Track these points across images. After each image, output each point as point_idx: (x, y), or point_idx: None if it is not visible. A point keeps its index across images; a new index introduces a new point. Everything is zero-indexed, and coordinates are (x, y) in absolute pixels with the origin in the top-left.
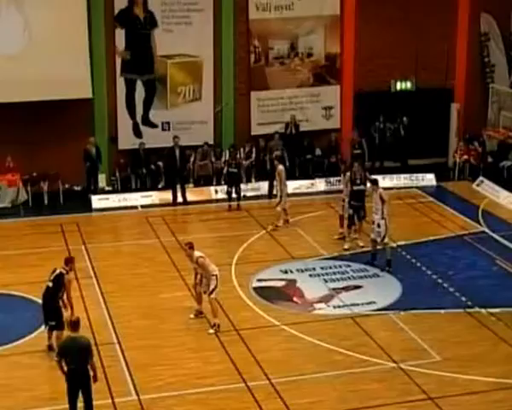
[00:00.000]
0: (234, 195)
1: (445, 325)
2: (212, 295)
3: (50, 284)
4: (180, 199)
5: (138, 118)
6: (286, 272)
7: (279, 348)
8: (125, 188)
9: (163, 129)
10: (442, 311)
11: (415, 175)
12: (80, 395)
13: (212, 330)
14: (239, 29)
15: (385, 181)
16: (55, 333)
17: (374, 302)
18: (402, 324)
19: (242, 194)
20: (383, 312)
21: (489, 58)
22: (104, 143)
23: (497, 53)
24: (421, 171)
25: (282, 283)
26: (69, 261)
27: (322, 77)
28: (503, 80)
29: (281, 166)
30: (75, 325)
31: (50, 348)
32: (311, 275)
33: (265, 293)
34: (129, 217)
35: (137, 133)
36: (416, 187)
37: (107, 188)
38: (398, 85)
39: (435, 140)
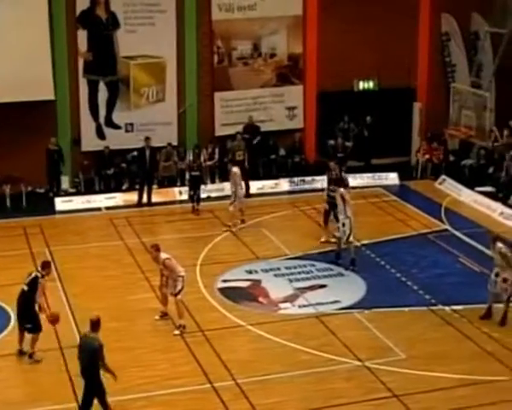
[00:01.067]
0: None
1: (409, 323)
2: (179, 297)
3: (26, 288)
4: (145, 200)
5: (101, 119)
6: (251, 272)
7: (245, 349)
8: (89, 190)
9: (126, 130)
10: (406, 309)
11: (378, 174)
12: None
13: (177, 332)
14: (202, 30)
15: (349, 180)
16: (30, 336)
17: (339, 301)
18: (367, 322)
19: (207, 195)
20: (348, 311)
21: (450, 58)
22: (67, 145)
23: (457, 53)
24: (385, 170)
25: (247, 283)
26: (46, 266)
27: (286, 77)
28: (464, 80)
29: (234, 169)
30: (94, 324)
31: (21, 352)
32: (275, 275)
33: (230, 293)
34: (93, 219)
35: (101, 135)
36: (380, 186)
37: (70, 190)
38: (361, 85)
39: (398, 139)
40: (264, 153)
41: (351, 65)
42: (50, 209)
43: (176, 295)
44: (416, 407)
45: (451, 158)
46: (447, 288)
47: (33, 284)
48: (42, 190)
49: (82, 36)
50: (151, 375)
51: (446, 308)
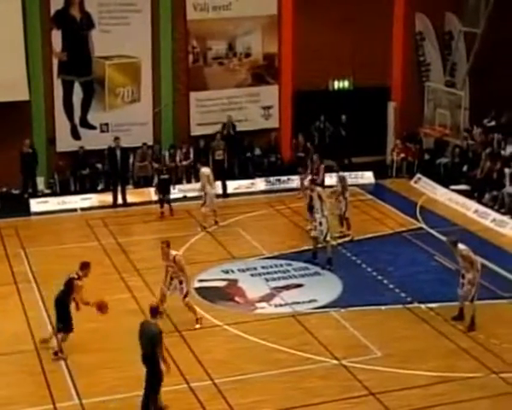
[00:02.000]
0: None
1: (385, 322)
2: (187, 299)
3: (62, 288)
4: (120, 201)
5: (76, 120)
6: (227, 272)
7: (222, 349)
8: (65, 191)
9: (102, 131)
10: (382, 307)
11: (354, 173)
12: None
13: (198, 326)
14: (177, 29)
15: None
16: (60, 335)
17: (315, 300)
18: (343, 321)
19: (183, 195)
20: (325, 309)
21: (424, 57)
22: (42, 146)
23: (432, 52)
24: (360, 169)
25: (224, 283)
26: (84, 267)
27: (261, 77)
28: (439, 79)
29: (203, 169)
30: (153, 311)
31: (56, 354)
32: (252, 275)
33: (207, 293)
34: (69, 220)
35: (76, 135)
36: (356, 185)
37: (45, 191)
38: (336, 84)
39: (373, 138)
40: (240, 152)
41: (326, 64)
42: (25, 211)
43: (184, 297)
44: (393, 404)
45: (426, 157)
46: (423, 286)
47: (68, 284)
48: (17, 192)
49: (56, 36)
50: (126, 376)
51: (422, 306)
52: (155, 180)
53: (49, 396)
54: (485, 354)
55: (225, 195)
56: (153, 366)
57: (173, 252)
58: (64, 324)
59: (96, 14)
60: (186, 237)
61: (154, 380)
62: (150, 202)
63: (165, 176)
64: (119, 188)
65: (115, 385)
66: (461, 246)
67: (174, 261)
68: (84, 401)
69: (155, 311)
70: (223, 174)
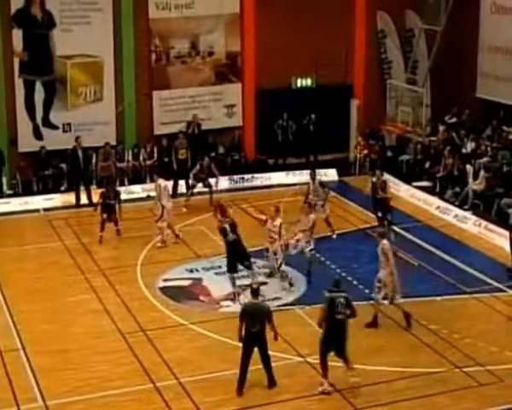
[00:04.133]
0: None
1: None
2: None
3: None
4: (85, 201)
5: (38, 120)
6: (192, 271)
7: (187, 347)
8: (27, 191)
9: (64, 130)
10: None
11: (317, 171)
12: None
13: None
14: (139, 28)
15: (288, 177)
16: None
17: (279, 298)
18: (308, 318)
19: (146, 194)
20: (289, 307)
21: (386, 55)
22: (4, 146)
23: (393, 50)
24: (323, 166)
25: (189, 282)
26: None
27: (224, 75)
28: (400, 76)
29: (160, 181)
30: (255, 291)
31: None
32: (216, 273)
33: (172, 292)
34: (31, 221)
35: (38, 135)
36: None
37: (8, 191)
38: (299, 82)
39: (336, 136)
40: (204, 151)
41: (288, 62)
42: None
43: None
44: (359, 401)
45: (389, 154)
46: None
47: None
48: None
49: (17, 35)
50: (90, 377)
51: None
52: (100, 201)
53: (12, 399)
54: (447, 348)
55: (191, 194)
56: (265, 340)
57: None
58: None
59: (57, 13)
60: (150, 236)
61: (267, 351)
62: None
63: (112, 202)
64: (83, 188)
65: (79, 386)
66: (384, 241)
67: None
68: (49, 402)
69: (257, 291)
70: (186, 173)
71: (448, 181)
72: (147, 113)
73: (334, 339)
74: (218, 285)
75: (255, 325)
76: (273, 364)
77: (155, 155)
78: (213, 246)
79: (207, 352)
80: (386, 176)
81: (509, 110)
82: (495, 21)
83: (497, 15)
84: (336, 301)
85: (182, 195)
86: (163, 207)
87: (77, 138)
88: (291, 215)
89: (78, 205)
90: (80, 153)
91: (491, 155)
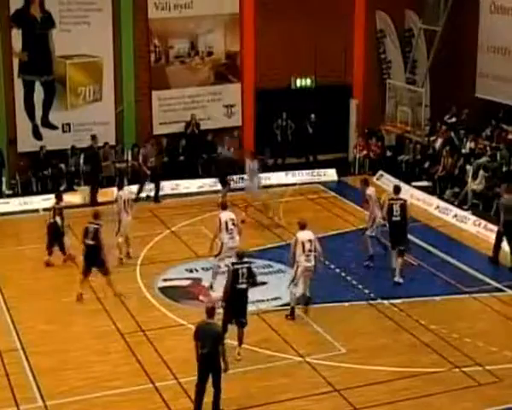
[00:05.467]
0: None
1: (349, 318)
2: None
3: None
4: (103, 199)
5: (38, 120)
6: (191, 271)
7: (186, 348)
8: (26, 191)
9: (63, 130)
10: (346, 303)
11: (316, 171)
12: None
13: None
14: (138, 28)
15: (287, 177)
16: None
17: (279, 298)
18: (307, 318)
19: (146, 194)
20: (288, 307)
21: (385, 55)
22: (3, 146)
23: (392, 49)
24: (323, 166)
25: (188, 282)
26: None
27: (223, 75)
28: (400, 76)
29: (121, 192)
30: (210, 311)
31: None
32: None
33: (171, 293)
34: (30, 221)
35: (37, 135)
36: (318, 183)
37: (7, 192)
38: (298, 82)
39: (335, 136)
40: (203, 151)
41: (288, 62)
42: None
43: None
44: (358, 400)
45: (388, 153)
46: (386, 282)
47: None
48: None
49: (16, 35)
50: (89, 377)
51: (385, 302)
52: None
53: (12, 398)
54: (446, 348)
55: (156, 199)
56: (217, 362)
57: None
58: None
59: (56, 13)
60: (149, 236)
61: (219, 379)
62: (112, 202)
63: (92, 242)
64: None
65: (78, 386)
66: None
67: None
68: (48, 402)
69: (212, 311)
70: (157, 179)
71: (447, 181)
72: (146, 113)
73: (236, 307)
74: (217, 285)
75: (205, 346)
76: (272, 364)
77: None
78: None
79: None
80: (386, 176)
81: (509, 110)
82: (494, 21)
83: (497, 15)
84: (239, 271)
85: (148, 198)
86: (120, 221)
87: (93, 137)
88: (291, 215)
89: (94, 204)
90: (100, 151)
91: (491, 154)
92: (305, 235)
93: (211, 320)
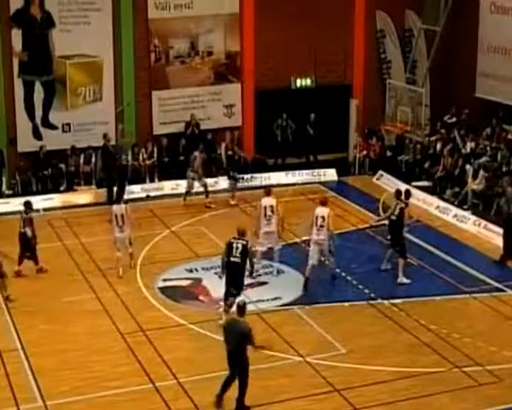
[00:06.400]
0: None
1: (349, 318)
2: None
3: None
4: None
5: (38, 120)
6: (191, 270)
7: (186, 348)
8: (26, 191)
9: (63, 130)
10: (346, 303)
11: (316, 171)
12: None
13: None
14: (138, 28)
15: (288, 177)
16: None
17: (279, 298)
18: (307, 318)
19: (146, 194)
20: (288, 307)
21: (385, 55)
22: (3, 146)
23: (392, 49)
24: (323, 166)
25: (188, 282)
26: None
27: (223, 75)
28: (400, 76)
29: (115, 207)
30: (241, 309)
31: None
32: (216, 273)
33: (171, 293)
34: None
35: (37, 135)
36: (318, 182)
37: (7, 192)
38: (299, 82)
39: (336, 136)
40: (203, 151)
41: (288, 62)
42: None
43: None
44: (358, 400)
45: (388, 153)
46: (385, 282)
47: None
48: None
49: (16, 35)
50: (89, 377)
51: (385, 302)
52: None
53: (12, 398)
54: (446, 348)
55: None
56: (241, 360)
57: None
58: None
59: (56, 13)
60: (149, 236)
61: (243, 376)
62: (113, 202)
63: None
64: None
65: (78, 386)
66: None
67: None
68: (48, 402)
69: (243, 309)
70: (122, 179)
71: (447, 181)
72: (146, 113)
73: (229, 277)
74: (217, 285)
75: (229, 343)
76: (272, 364)
77: (155, 154)
78: (212, 245)
79: (206, 352)
80: (386, 176)
81: (509, 110)
82: (494, 21)
83: (497, 15)
84: (234, 245)
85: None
86: (115, 238)
87: (105, 135)
88: (291, 215)
89: (111, 201)
90: (112, 150)
91: (491, 154)
92: (320, 211)
93: (239, 318)
